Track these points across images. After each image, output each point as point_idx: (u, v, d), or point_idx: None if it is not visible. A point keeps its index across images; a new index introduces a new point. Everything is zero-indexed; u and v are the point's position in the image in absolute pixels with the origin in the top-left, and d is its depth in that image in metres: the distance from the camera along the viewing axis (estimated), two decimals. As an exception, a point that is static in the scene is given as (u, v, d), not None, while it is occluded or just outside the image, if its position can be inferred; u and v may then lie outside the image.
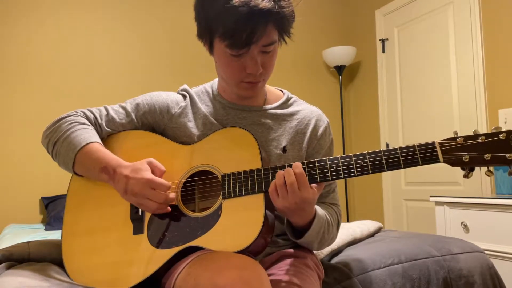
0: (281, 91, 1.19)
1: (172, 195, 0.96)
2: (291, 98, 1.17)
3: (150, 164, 0.97)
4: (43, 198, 3.05)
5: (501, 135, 0.82)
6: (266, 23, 0.93)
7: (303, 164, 0.93)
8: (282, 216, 1.02)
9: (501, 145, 0.82)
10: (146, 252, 0.95)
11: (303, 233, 0.99)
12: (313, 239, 1.01)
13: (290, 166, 0.93)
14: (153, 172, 0.96)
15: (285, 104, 1.15)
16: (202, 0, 0.98)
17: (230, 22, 0.91)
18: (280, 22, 0.96)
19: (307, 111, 1.15)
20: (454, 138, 0.86)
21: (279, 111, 1.12)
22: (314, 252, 1.14)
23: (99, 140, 1.04)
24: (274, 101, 1.15)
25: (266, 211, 0.91)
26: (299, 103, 1.17)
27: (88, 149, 1.00)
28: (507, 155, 0.81)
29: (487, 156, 0.83)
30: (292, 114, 1.13)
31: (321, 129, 1.14)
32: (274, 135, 1.09)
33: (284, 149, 1.08)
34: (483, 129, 2.87)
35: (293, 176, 0.89)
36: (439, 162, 0.86)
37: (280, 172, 0.90)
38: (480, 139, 0.84)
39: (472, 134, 0.86)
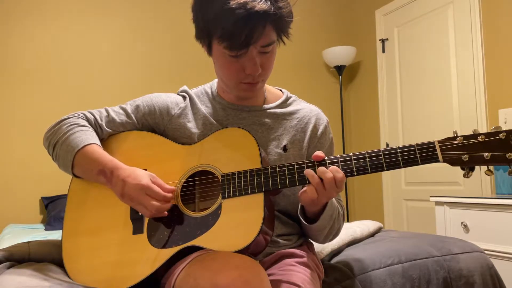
0: (280, 90, 1.19)
1: (167, 205, 0.95)
2: (290, 97, 1.17)
3: (152, 178, 0.96)
4: (43, 198, 3.05)
5: (501, 135, 0.82)
6: (264, 24, 0.93)
7: (303, 163, 0.93)
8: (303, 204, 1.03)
9: (501, 144, 0.82)
10: (145, 252, 0.95)
11: (316, 219, 1.01)
12: (325, 224, 1.02)
13: (291, 165, 0.93)
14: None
15: (285, 103, 1.15)
16: (200, 1, 0.98)
17: (228, 24, 0.91)
18: (278, 22, 0.96)
19: (307, 110, 1.15)
20: (454, 138, 0.86)
21: (278, 110, 1.12)
22: (315, 251, 1.14)
23: (98, 142, 1.04)
24: (273, 101, 1.15)
25: (266, 210, 0.91)
26: (298, 102, 1.17)
27: (85, 151, 1.00)
28: (507, 154, 0.81)
29: (486, 155, 0.83)
30: (291, 113, 1.13)
31: (321, 128, 1.14)
32: (274, 135, 1.09)
33: (284, 148, 1.08)
34: (483, 129, 2.87)
35: (333, 180, 0.90)
36: (438, 161, 0.86)
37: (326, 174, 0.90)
38: (479, 139, 0.84)
39: (472, 133, 0.85)
